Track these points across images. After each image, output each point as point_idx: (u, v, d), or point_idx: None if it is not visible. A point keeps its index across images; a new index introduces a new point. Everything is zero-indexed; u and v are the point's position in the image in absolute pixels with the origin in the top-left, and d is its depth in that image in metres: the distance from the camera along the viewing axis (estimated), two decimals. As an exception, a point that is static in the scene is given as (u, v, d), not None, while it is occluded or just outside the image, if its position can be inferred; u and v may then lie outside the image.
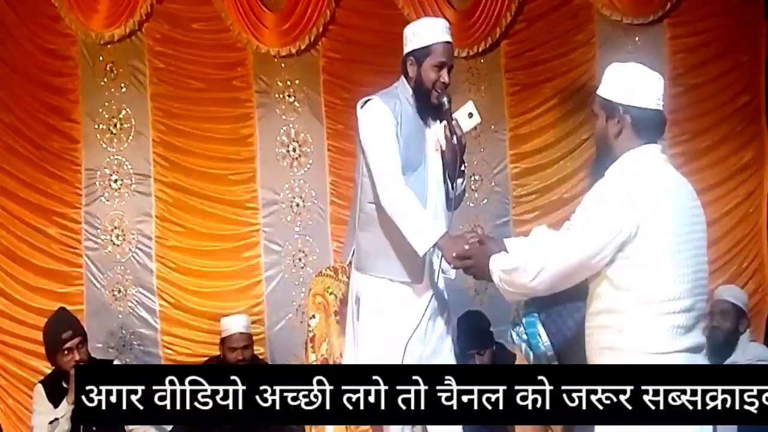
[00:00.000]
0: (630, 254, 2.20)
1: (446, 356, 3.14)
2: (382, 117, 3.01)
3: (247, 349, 4.37)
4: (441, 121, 3.06)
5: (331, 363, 3.48)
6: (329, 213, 4.91)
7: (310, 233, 4.92)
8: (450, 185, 3.09)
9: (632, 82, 2.35)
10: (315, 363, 3.49)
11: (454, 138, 2.99)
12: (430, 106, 3.05)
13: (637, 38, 4.94)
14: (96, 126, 4.87)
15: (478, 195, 4.98)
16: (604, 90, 2.40)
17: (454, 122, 3.00)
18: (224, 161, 4.92)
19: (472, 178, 4.94)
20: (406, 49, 3.08)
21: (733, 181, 4.98)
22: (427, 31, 3.05)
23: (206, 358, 4.58)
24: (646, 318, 2.19)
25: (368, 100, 3.08)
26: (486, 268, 2.44)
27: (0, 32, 4.77)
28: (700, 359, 2.24)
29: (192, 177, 4.89)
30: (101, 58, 4.87)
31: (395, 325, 2.98)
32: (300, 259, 4.92)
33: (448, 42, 3.05)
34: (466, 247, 2.60)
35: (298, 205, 4.94)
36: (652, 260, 2.19)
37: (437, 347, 3.09)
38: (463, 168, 3.07)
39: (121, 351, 4.80)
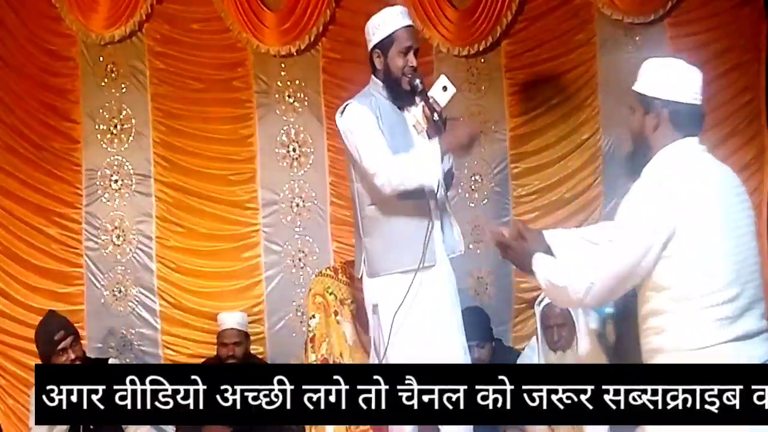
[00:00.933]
0: (671, 252, 2.20)
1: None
2: (362, 114, 3.05)
3: (239, 346, 4.37)
4: (418, 104, 3.08)
5: (332, 363, 3.48)
6: (329, 213, 4.91)
7: (310, 233, 4.92)
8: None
9: (670, 77, 2.37)
10: (315, 363, 3.50)
11: (435, 115, 3.01)
12: (403, 93, 3.09)
13: (637, 38, 4.93)
14: (96, 126, 4.87)
15: (478, 195, 4.97)
16: (641, 85, 2.41)
17: (431, 100, 3.03)
18: (224, 161, 4.91)
19: (472, 178, 4.94)
20: (371, 44, 3.14)
21: (734, 181, 4.97)
22: (387, 21, 3.11)
23: (205, 359, 4.59)
24: (686, 315, 2.19)
25: (346, 105, 3.11)
26: (526, 263, 2.43)
27: (0, 32, 4.78)
28: (752, 346, 2.21)
29: (192, 177, 4.89)
30: (101, 59, 4.87)
31: (417, 314, 2.99)
32: (300, 259, 4.91)
33: (409, 26, 3.10)
34: (505, 234, 2.57)
35: (298, 205, 4.93)
36: (690, 256, 2.19)
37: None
38: None
39: (121, 351, 4.80)
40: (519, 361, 4.04)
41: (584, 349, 3.80)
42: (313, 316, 3.57)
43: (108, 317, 4.82)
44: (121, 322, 4.84)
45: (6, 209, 4.79)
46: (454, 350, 3.07)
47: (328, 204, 4.91)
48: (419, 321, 3.01)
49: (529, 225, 4.82)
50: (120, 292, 4.86)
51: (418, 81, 3.03)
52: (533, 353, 3.98)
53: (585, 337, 3.89)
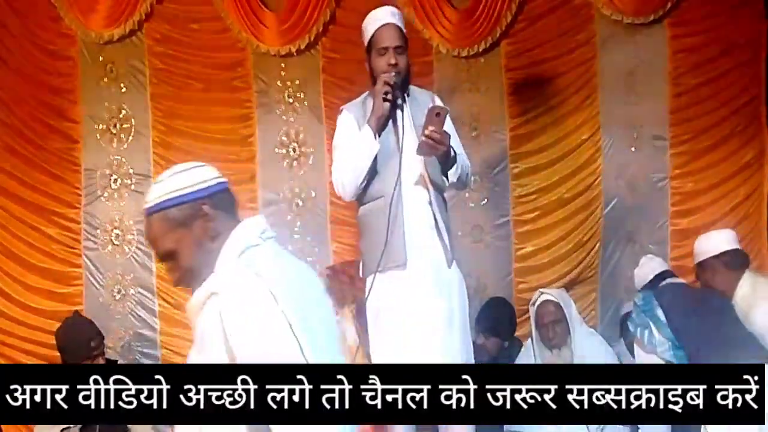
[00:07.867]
0: None
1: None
2: (342, 125, 3.10)
3: None
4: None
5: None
6: (329, 213, 4.90)
7: (310, 233, 4.91)
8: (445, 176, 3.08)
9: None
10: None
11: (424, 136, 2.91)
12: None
13: (637, 38, 4.93)
14: (96, 126, 4.86)
15: (478, 195, 4.96)
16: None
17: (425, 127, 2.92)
18: (224, 161, 4.87)
19: (472, 178, 4.93)
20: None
21: (733, 181, 4.98)
22: (369, 23, 3.08)
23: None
24: None
25: (341, 110, 3.16)
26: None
27: (0, 32, 4.77)
28: None
29: (192, 177, 4.87)
30: (101, 58, 4.86)
31: (394, 314, 2.97)
32: (299, 260, 4.90)
33: (387, 24, 3.03)
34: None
35: (298, 205, 4.93)
36: None
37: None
38: (452, 154, 3.01)
39: (120, 351, 4.79)
40: (517, 361, 4.07)
41: (582, 345, 3.83)
42: (313, 316, 3.56)
43: (107, 317, 4.79)
44: (120, 322, 4.83)
45: (5, 209, 4.78)
46: (438, 358, 2.94)
47: (328, 204, 4.90)
48: (396, 325, 2.96)
49: (528, 225, 4.91)
50: (119, 292, 4.85)
51: (388, 88, 2.93)
52: (529, 352, 4.00)
53: (581, 330, 3.93)
